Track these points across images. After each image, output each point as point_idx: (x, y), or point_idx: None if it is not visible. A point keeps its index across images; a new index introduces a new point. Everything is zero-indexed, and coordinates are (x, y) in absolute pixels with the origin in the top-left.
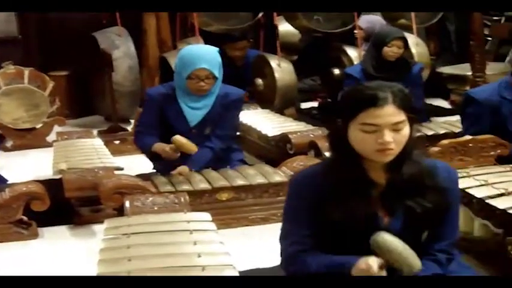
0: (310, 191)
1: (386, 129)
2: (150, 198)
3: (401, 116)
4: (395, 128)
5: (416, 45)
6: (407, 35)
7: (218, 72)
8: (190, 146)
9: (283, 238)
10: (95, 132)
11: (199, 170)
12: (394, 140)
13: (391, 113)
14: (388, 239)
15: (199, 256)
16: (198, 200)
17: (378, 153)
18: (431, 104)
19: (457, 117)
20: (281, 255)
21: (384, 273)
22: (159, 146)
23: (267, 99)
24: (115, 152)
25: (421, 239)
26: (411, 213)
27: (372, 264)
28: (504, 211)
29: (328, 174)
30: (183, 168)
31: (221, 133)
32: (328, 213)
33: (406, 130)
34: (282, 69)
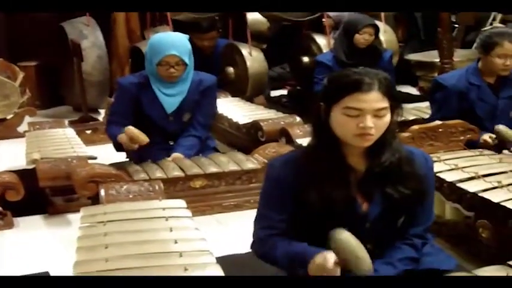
0: (287, 176)
1: (368, 115)
2: (125, 186)
3: (385, 103)
4: (377, 114)
5: (385, 32)
6: (376, 22)
7: (188, 59)
8: (141, 138)
9: (257, 221)
10: (66, 122)
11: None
12: (375, 126)
13: (375, 99)
14: (344, 237)
15: (175, 242)
16: (172, 188)
17: (357, 138)
18: (399, 91)
19: (426, 104)
20: (253, 237)
21: (338, 271)
22: (122, 138)
23: (238, 88)
24: (87, 141)
25: (397, 224)
26: (390, 199)
27: (328, 259)
28: (474, 194)
29: (307, 159)
30: (177, 155)
31: (204, 121)
32: (306, 198)
33: (387, 117)
34: (253, 57)
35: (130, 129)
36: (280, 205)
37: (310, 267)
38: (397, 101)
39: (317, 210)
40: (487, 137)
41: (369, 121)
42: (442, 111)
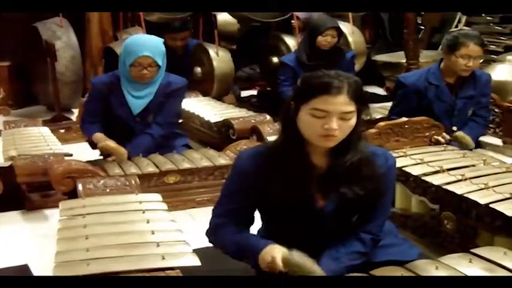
0: (251, 168)
1: (334, 117)
2: (102, 181)
3: (352, 107)
4: (343, 117)
5: (352, 34)
6: (343, 23)
7: (161, 61)
8: (120, 153)
9: (215, 208)
10: (40, 121)
11: (139, 155)
12: (340, 128)
13: (342, 102)
14: (294, 260)
15: (153, 233)
16: (146, 183)
17: (321, 138)
18: (367, 91)
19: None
20: (209, 224)
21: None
22: (97, 137)
23: (205, 87)
24: (60, 140)
25: (351, 221)
26: (345, 198)
27: (276, 256)
28: (439, 187)
29: (272, 154)
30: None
31: (162, 120)
32: (267, 191)
33: (353, 120)
34: (219, 57)
35: (109, 145)
36: (239, 196)
37: (260, 260)
38: (364, 104)
39: (276, 204)
40: (439, 137)
41: (334, 123)
42: (399, 108)
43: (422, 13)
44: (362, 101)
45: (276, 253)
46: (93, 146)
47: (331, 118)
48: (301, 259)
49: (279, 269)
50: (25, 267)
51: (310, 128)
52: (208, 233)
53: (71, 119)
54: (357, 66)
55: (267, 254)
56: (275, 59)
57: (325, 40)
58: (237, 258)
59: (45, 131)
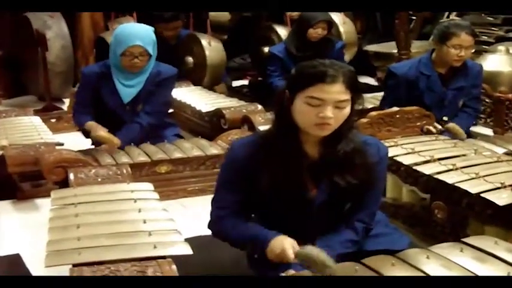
0: (243, 158)
1: (329, 105)
2: (93, 170)
3: (346, 96)
4: (338, 105)
5: (344, 24)
6: (334, 13)
7: (152, 50)
8: (112, 142)
9: (213, 200)
10: (31, 110)
11: (128, 144)
12: (335, 117)
13: (338, 90)
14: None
15: (144, 222)
16: (138, 173)
17: (316, 127)
18: (358, 81)
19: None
20: (210, 216)
21: (291, 254)
22: (90, 126)
23: (196, 77)
24: (51, 130)
25: (343, 210)
26: (337, 187)
27: (287, 248)
28: (430, 176)
29: (264, 142)
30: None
31: (150, 109)
32: (259, 180)
33: (347, 109)
34: (212, 47)
35: (102, 135)
36: (234, 186)
37: (268, 252)
38: (359, 93)
39: (268, 193)
40: (430, 126)
41: (329, 111)
42: (390, 98)
43: None
44: (356, 89)
45: (286, 244)
46: (86, 134)
47: (326, 106)
48: (314, 251)
49: (288, 260)
50: (17, 257)
51: (305, 117)
52: (210, 225)
53: (62, 109)
54: (348, 57)
55: (277, 245)
56: (266, 49)
57: (316, 32)
58: (240, 248)
59: (36, 120)
